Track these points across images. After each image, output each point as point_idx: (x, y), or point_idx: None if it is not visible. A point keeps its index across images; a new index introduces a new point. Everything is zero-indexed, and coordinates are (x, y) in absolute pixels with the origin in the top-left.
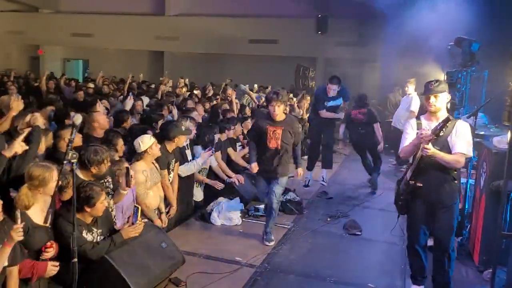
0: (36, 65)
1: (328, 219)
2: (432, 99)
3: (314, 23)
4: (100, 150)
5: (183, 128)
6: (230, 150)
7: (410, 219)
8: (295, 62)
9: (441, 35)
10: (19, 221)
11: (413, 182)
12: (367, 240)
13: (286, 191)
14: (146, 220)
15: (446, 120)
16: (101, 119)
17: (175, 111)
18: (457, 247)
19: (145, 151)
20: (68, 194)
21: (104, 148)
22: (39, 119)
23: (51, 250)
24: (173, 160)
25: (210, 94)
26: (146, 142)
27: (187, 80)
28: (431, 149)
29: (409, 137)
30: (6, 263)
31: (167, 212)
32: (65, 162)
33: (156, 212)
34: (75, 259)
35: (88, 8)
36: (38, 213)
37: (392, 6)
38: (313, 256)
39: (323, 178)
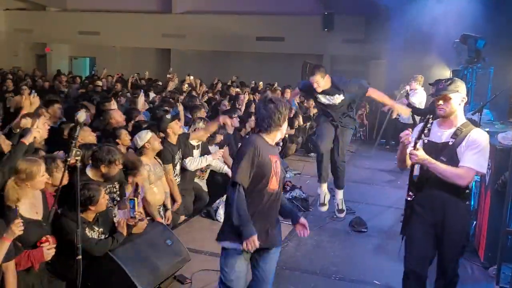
0: (43, 63)
1: (334, 216)
2: (441, 101)
3: (320, 20)
4: (113, 151)
5: (168, 116)
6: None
7: (407, 242)
8: (302, 59)
9: (447, 31)
10: (18, 215)
11: (408, 196)
12: (373, 237)
13: (293, 188)
14: (148, 217)
15: (427, 121)
16: (117, 116)
17: (180, 108)
18: None
19: (143, 146)
20: (55, 178)
21: (118, 149)
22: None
23: (47, 245)
24: (178, 151)
25: (218, 88)
26: (143, 137)
27: (192, 78)
28: (420, 155)
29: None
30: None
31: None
32: (68, 159)
33: (161, 208)
34: (79, 256)
35: (95, 6)
36: (28, 207)
37: (398, 3)
38: (319, 253)
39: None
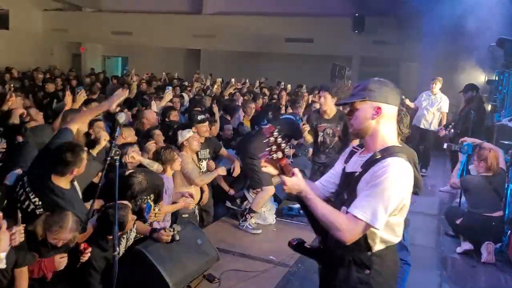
0: (78, 62)
1: None
2: (348, 113)
3: (351, 22)
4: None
5: (199, 118)
6: None
7: None
8: (331, 61)
9: (483, 34)
10: (19, 222)
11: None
12: None
13: None
14: (186, 215)
15: (272, 133)
16: (150, 116)
17: (215, 109)
18: (495, 253)
19: (182, 143)
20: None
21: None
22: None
23: (89, 251)
24: (205, 151)
25: (245, 90)
26: (184, 134)
27: (219, 79)
28: (289, 183)
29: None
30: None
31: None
32: (108, 158)
33: (196, 207)
34: (116, 253)
35: (128, 7)
36: None
37: (430, 4)
38: None
39: None
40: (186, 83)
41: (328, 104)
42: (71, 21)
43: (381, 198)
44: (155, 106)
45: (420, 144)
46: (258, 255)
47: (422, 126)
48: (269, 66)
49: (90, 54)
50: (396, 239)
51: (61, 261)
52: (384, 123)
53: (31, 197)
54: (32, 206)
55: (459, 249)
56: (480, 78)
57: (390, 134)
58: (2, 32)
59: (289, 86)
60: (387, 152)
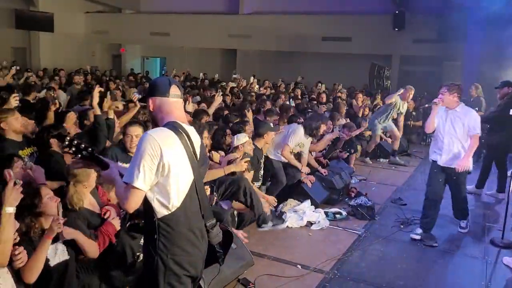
0: (118, 63)
1: (401, 226)
2: None
3: (390, 19)
4: None
5: (271, 125)
6: None
7: None
8: (369, 60)
9: None
10: (60, 213)
11: None
12: (444, 252)
13: (358, 194)
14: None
15: None
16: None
17: (250, 114)
18: None
19: (237, 147)
20: None
21: None
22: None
23: (109, 213)
24: (263, 156)
25: (281, 89)
26: (240, 139)
27: (255, 80)
28: (103, 174)
29: None
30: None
31: None
32: None
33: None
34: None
35: (166, 8)
36: (88, 202)
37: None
38: (385, 265)
39: None
40: (224, 83)
41: None
42: (112, 23)
43: (135, 161)
44: (191, 105)
45: None
46: (293, 260)
47: None
48: (305, 65)
49: (129, 55)
50: (173, 201)
51: (114, 221)
52: (160, 110)
53: None
54: None
55: (506, 260)
56: None
57: (166, 117)
58: (48, 34)
59: (323, 86)
60: None
